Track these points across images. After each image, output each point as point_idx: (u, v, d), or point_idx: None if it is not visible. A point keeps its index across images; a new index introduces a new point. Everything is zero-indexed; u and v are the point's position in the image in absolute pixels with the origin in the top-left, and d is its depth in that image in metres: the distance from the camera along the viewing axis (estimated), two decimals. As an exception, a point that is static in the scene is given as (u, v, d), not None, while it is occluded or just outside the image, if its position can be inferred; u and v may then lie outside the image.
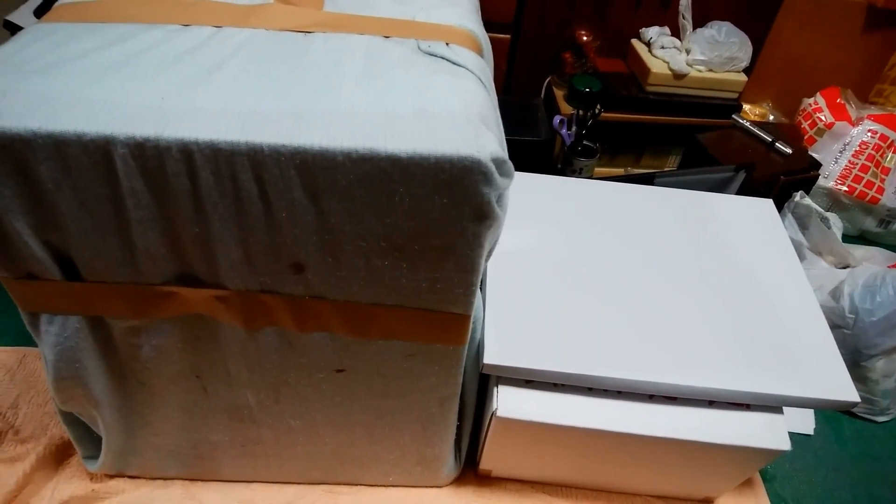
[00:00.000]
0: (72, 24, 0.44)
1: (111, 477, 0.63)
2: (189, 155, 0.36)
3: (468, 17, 0.50)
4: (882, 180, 1.06)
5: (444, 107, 0.39)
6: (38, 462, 0.63)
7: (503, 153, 0.38)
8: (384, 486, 0.65)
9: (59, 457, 0.65)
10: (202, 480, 0.64)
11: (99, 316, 0.46)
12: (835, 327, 0.76)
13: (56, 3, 0.48)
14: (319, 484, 0.64)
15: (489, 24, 0.90)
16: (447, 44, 0.45)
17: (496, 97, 0.47)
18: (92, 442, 0.60)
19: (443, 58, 0.44)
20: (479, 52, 0.48)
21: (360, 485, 0.65)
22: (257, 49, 0.43)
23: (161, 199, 0.38)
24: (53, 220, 0.39)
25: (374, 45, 0.44)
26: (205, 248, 0.41)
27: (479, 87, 0.42)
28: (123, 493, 0.62)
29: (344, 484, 0.65)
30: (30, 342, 0.49)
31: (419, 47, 0.45)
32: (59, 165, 0.36)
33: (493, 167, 0.37)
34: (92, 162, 0.36)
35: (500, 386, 0.55)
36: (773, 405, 0.56)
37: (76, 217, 0.39)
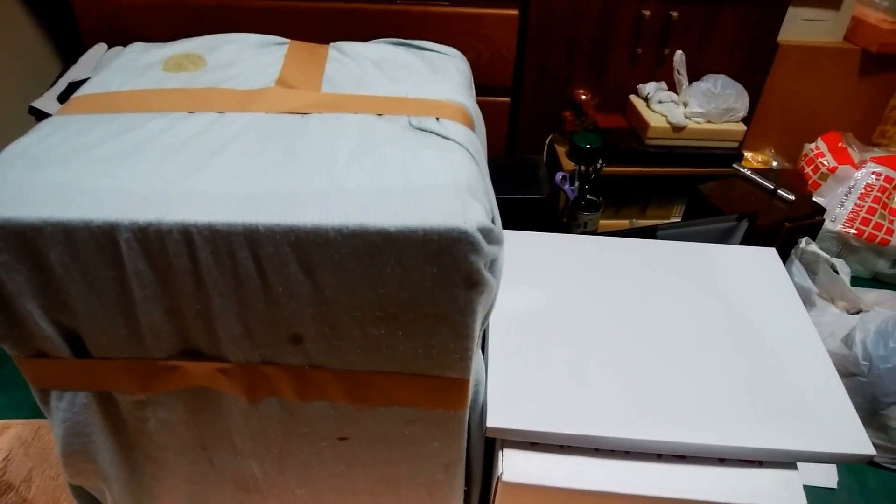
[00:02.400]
0: (86, 116, 0.47)
1: (120, 551, 0.63)
2: (189, 237, 0.38)
3: (459, 91, 0.52)
4: (891, 221, 1.05)
5: (432, 180, 0.41)
6: (49, 537, 0.63)
7: (489, 222, 0.39)
8: (394, 554, 0.64)
9: (69, 531, 0.65)
10: (210, 553, 0.63)
11: (106, 391, 0.47)
12: (849, 375, 0.75)
13: (74, 94, 0.51)
14: (328, 554, 0.64)
15: (489, 89, 0.93)
16: (437, 118, 0.48)
17: (486, 168, 0.49)
18: (102, 516, 0.60)
19: (432, 132, 0.46)
20: (470, 125, 0.50)
21: (370, 554, 0.64)
22: (257, 132, 0.45)
23: (164, 279, 0.40)
24: (63, 300, 0.41)
25: (367, 124, 0.46)
26: (206, 322, 0.43)
27: (467, 159, 0.44)
28: (132, 567, 0.62)
29: (353, 553, 0.64)
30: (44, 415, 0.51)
31: (410, 123, 0.47)
32: (67, 250, 0.39)
33: (479, 236, 0.39)
34: (98, 246, 0.38)
35: (504, 449, 0.55)
36: (786, 461, 0.55)
37: (84, 297, 0.41)
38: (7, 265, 0.39)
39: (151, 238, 0.38)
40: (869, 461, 0.70)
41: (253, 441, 0.51)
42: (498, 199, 0.47)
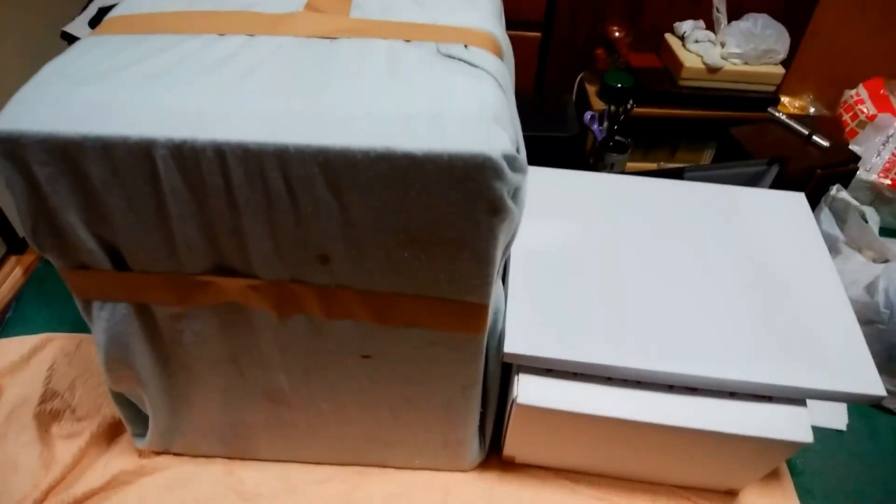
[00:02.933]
0: (119, 36, 0.48)
1: (157, 454, 0.68)
2: (222, 155, 0.39)
3: (488, 20, 0.52)
4: (928, 173, 1.02)
5: (458, 107, 0.41)
6: (92, 438, 0.68)
7: (514, 150, 0.40)
8: (411, 468, 0.68)
9: (111, 434, 0.70)
10: (241, 459, 0.68)
11: (144, 303, 0.50)
12: (870, 322, 0.75)
13: (106, 16, 0.52)
14: (350, 465, 0.68)
15: (519, 23, 0.92)
16: (466, 46, 0.47)
17: (514, 97, 0.49)
18: (140, 421, 0.65)
19: (460, 60, 0.46)
20: (498, 54, 0.49)
21: (389, 466, 0.68)
22: (286, 56, 0.45)
23: (198, 196, 0.42)
24: (103, 215, 0.43)
25: (396, 49, 0.47)
26: (238, 240, 0.44)
27: (494, 88, 0.44)
28: (168, 468, 0.67)
29: (373, 465, 0.68)
30: (86, 329, 0.54)
31: (438, 50, 0.47)
32: (107, 166, 0.40)
33: (503, 163, 0.39)
34: (136, 162, 0.40)
35: (520, 374, 0.57)
36: (795, 397, 0.57)
37: (123, 212, 0.43)
38: (51, 178, 0.41)
39: (186, 155, 0.39)
40: (880, 406, 0.71)
41: (281, 355, 0.54)
42: (525, 136, 0.47)
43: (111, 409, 0.70)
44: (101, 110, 0.40)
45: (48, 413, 0.71)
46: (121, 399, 0.62)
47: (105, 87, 0.42)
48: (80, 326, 0.79)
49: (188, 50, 0.46)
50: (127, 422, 0.65)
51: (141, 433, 0.66)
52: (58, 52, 0.47)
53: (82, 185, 0.42)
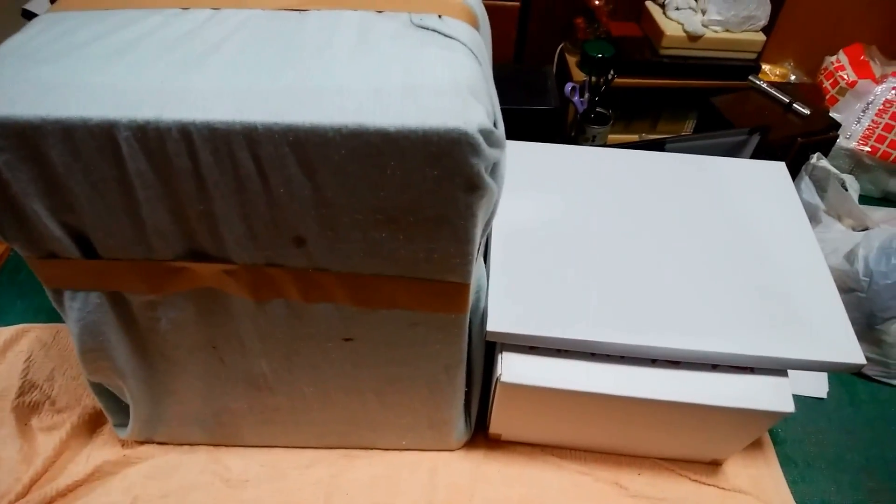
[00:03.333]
0: (78, 13, 0.46)
1: (140, 443, 0.67)
2: (188, 135, 0.38)
3: (463, -11, 0.50)
4: (907, 139, 1.03)
5: (432, 80, 0.40)
6: (73, 430, 0.67)
7: (490, 124, 0.39)
8: (398, 449, 0.68)
9: (92, 425, 0.69)
10: (225, 446, 0.67)
11: (118, 291, 0.49)
12: (849, 291, 0.76)
13: (64, -8, 0.49)
14: (336, 448, 0.67)
15: (497, -8, 0.89)
16: (440, 16, 0.46)
17: (490, 69, 0.48)
18: (121, 411, 0.64)
19: (434, 30, 0.44)
20: (474, 24, 0.48)
21: (375, 448, 0.68)
22: (253, 29, 0.44)
23: (165, 179, 0.40)
24: (68, 201, 0.42)
25: (367, 21, 0.45)
26: (210, 224, 0.43)
27: (469, 60, 0.43)
28: (152, 458, 0.66)
29: (359, 448, 0.67)
30: (62, 319, 0.52)
31: (411, 21, 0.45)
32: (68, 149, 0.38)
33: (480, 138, 0.38)
34: (98, 145, 0.38)
35: (504, 352, 0.57)
36: (777, 368, 0.57)
37: (88, 198, 0.41)
38: (10, 164, 0.39)
39: (151, 137, 0.38)
40: (860, 373, 0.72)
41: (261, 341, 0.53)
42: (505, 110, 0.46)
43: (91, 400, 0.69)
44: (60, 91, 0.38)
45: (27, 406, 0.69)
46: (100, 389, 0.60)
47: (63, 67, 0.40)
48: (57, 316, 0.76)
49: (150, 25, 0.44)
50: (108, 412, 0.64)
51: (123, 423, 0.65)
52: (18, 30, 0.45)
53: (44, 171, 0.40)
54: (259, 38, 0.43)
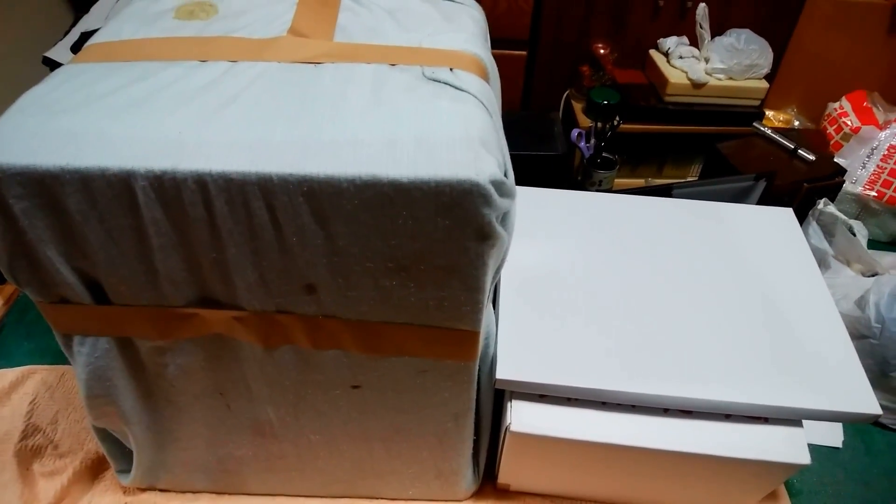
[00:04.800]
0: (99, 64, 0.47)
1: (143, 490, 0.66)
2: (204, 185, 0.38)
3: (473, 42, 0.51)
4: (913, 184, 1.03)
5: (444, 132, 0.40)
6: (75, 476, 0.66)
7: (502, 175, 0.39)
8: (404, 499, 0.66)
9: (94, 471, 0.68)
10: (229, 494, 0.66)
11: (127, 337, 0.49)
12: (861, 337, 0.75)
13: (86, 44, 0.51)
14: (341, 497, 0.66)
15: (505, 41, 0.92)
16: (451, 69, 0.47)
17: (500, 120, 0.49)
18: (124, 457, 0.63)
19: (446, 83, 0.45)
20: (484, 76, 0.49)
21: (381, 498, 0.66)
22: (269, 82, 0.45)
23: (180, 227, 0.41)
24: (82, 248, 0.42)
25: (380, 74, 0.46)
26: (222, 271, 0.43)
27: (480, 112, 0.44)
28: (154, 505, 0.65)
29: (365, 497, 0.66)
30: (68, 361, 0.52)
31: (423, 74, 0.46)
32: (85, 198, 0.39)
33: (491, 189, 0.38)
34: (115, 194, 0.39)
35: (513, 401, 0.56)
36: (792, 418, 0.56)
37: (103, 245, 0.42)
38: (27, 212, 0.40)
39: (167, 186, 0.38)
40: (875, 422, 0.71)
41: (269, 387, 0.52)
42: (513, 156, 0.47)
43: (94, 445, 0.68)
44: (80, 141, 0.39)
45: (29, 449, 0.68)
46: (104, 434, 0.60)
47: (84, 117, 0.41)
48: (63, 358, 0.76)
49: (169, 77, 0.45)
50: (111, 458, 0.63)
51: (125, 469, 0.64)
52: (40, 77, 0.46)
53: (60, 219, 0.40)
54: (275, 91, 0.44)
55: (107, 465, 0.67)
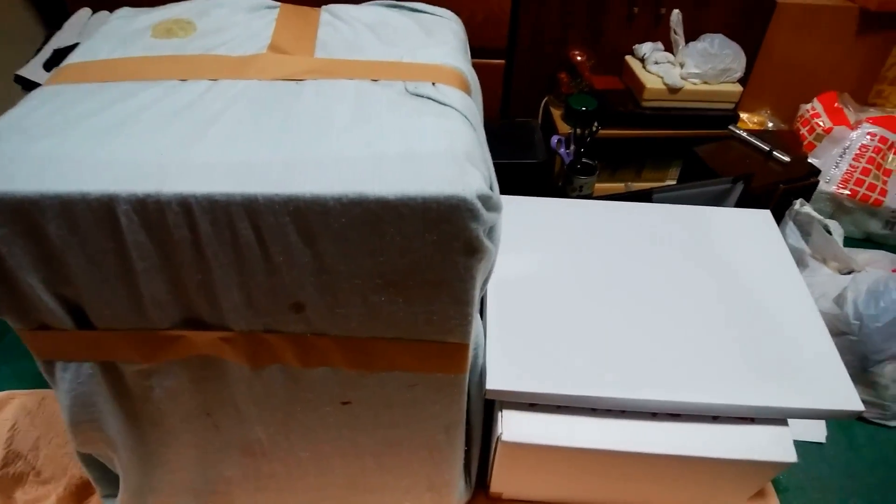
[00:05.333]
0: (76, 85, 0.46)
1: (130, 515, 0.65)
2: (188, 208, 0.38)
3: (454, 56, 0.52)
4: (885, 182, 1.06)
5: (430, 147, 0.40)
6: (59, 502, 0.64)
7: (488, 189, 0.39)
8: (397, 513, 0.66)
9: (79, 496, 0.66)
10: (218, 515, 0.65)
11: (111, 361, 0.48)
12: (840, 334, 0.76)
13: (62, 64, 0.50)
14: (333, 513, 0.65)
15: (483, 51, 0.92)
16: (433, 84, 0.47)
17: (483, 133, 0.49)
18: (110, 481, 0.62)
19: (429, 98, 0.45)
20: (466, 90, 0.49)
21: (373, 513, 0.66)
22: (251, 100, 0.45)
23: (164, 250, 0.40)
24: (64, 274, 0.41)
25: (363, 90, 0.46)
26: (208, 293, 0.43)
27: (464, 126, 0.44)
28: (142, 530, 0.64)
29: (357, 513, 0.66)
30: (48, 385, 0.51)
31: (406, 89, 0.46)
32: (66, 223, 0.38)
33: (478, 203, 0.39)
34: (97, 219, 0.38)
35: (504, 410, 0.56)
36: (777, 417, 0.57)
37: (85, 270, 0.41)
38: (6, 239, 0.39)
39: (150, 210, 0.38)
40: (858, 417, 0.72)
41: (257, 407, 0.52)
42: (494, 164, 0.47)
43: (78, 470, 0.66)
44: (59, 166, 0.38)
45: (11, 477, 0.67)
46: (89, 460, 0.59)
47: (62, 141, 0.40)
48: (42, 382, 0.75)
49: (149, 98, 0.45)
50: (96, 483, 0.62)
51: (111, 494, 0.63)
52: (13, 95, 0.46)
53: (40, 245, 0.40)
54: (257, 110, 0.44)
55: (91, 491, 0.66)
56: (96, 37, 0.53)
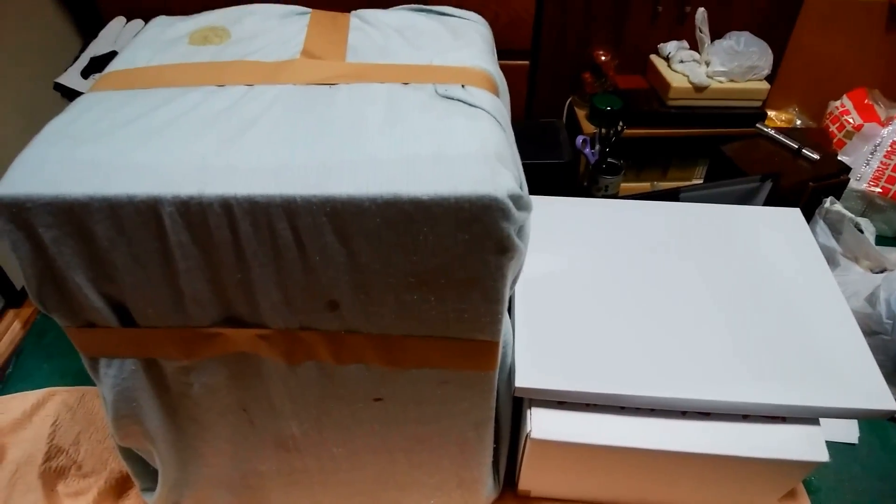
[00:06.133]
0: (118, 92, 0.48)
1: (168, 508, 0.67)
2: (229, 209, 0.39)
3: (482, 57, 0.52)
4: (917, 179, 1.04)
5: (461, 148, 0.41)
6: (100, 495, 0.67)
7: (519, 189, 0.40)
8: (426, 509, 0.67)
9: (118, 490, 0.68)
10: (252, 509, 0.67)
11: (153, 358, 0.50)
12: (873, 334, 0.75)
13: (105, 71, 0.52)
14: (364, 509, 0.67)
15: (508, 52, 0.93)
16: (463, 86, 0.48)
17: (512, 134, 0.50)
18: (149, 475, 0.64)
19: (459, 100, 0.46)
20: (495, 91, 0.50)
21: (403, 509, 0.67)
22: (287, 104, 0.46)
23: (205, 250, 0.42)
24: (110, 273, 0.43)
25: (394, 93, 0.47)
26: (247, 291, 0.44)
27: (494, 126, 0.45)
28: (180, 523, 0.66)
29: (387, 508, 0.67)
30: (88, 381, 0.53)
31: (436, 91, 0.47)
32: (113, 225, 0.40)
33: (510, 203, 0.39)
34: (142, 220, 0.40)
35: (533, 408, 0.57)
36: (809, 417, 0.56)
37: (130, 269, 0.43)
38: (56, 240, 0.41)
39: (193, 211, 0.39)
40: (891, 417, 0.71)
41: (292, 403, 0.53)
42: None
43: (118, 464, 0.69)
44: (106, 170, 0.40)
45: (53, 471, 0.69)
46: (128, 454, 0.61)
47: (108, 145, 0.42)
48: (83, 379, 0.78)
49: (188, 103, 0.46)
50: (135, 477, 0.64)
51: (150, 488, 0.65)
52: (51, 103, 0.47)
53: (88, 245, 0.41)
54: (293, 113, 0.45)
55: (131, 484, 0.68)
56: (134, 45, 0.55)
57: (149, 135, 0.43)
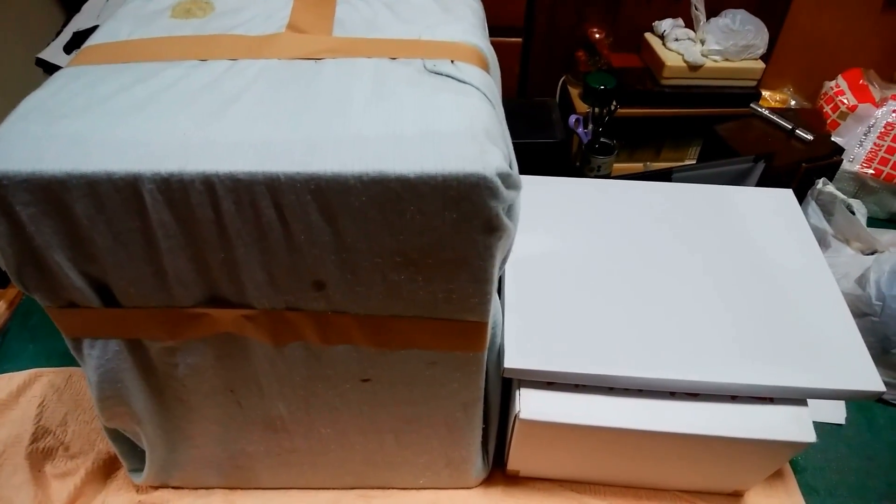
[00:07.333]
0: (98, 66, 0.47)
1: (156, 488, 0.67)
2: (211, 187, 0.38)
3: (473, 32, 0.51)
4: (910, 161, 1.04)
5: (449, 125, 0.40)
6: (88, 476, 0.66)
7: (508, 167, 0.39)
8: (415, 489, 0.67)
9: (106, 471, 0.68)
10: (241, 489, 0.67)
11: (137, 338, 0.49)
12: (862, 315, 0.75)
13: (83, 46, 0.51)
14: (353, 489, 0.67)
15: (500, 29, 0.91)
16: (452, 61, 0.47)
17: (502, 111, 0.49)
18: (136, 456, 0.63)
19: (448, 76, 0.45)
20: (485, 67, 0.49)
21: (392, 488, 0.67)
22: (271, 79, 0.45)
23: (188, 229, 0.41)
24: (90, 252, 0.42)
25: (382, 68, 0.46)
26: (231, 271, 0.43)
27: (483, 103, 0.44)
28: (168, 502, 0.66)
29: (376, 488, 0.67)
30: (74, 362, 0.52)
31: (425, 66, 0.46)
32: (92, 202, 0.39)
33: (498, 181, 0.39)
34: (122, 198, 0.39)
35: (521, 388, 0.57)
36: (797, 398, 0.57)
37: (111, 249, 0.42)
38: (34, 218, 0.40)
39: (174, 189, 0.38)
40: (878, 398, 0.72)
41: (279, 384, 0.53)
42: (512, 144, 0.47)
43: (105, 445, 0.68)
44: (84, 146, 0.39)
45: (40, 452, 0.69)
46: (115, 435, 0.60)
47: (86, 121, 0.41)
48: (69, 360, 0.76)
49: (170, 78, 0.45)
50: (123, 457, 0.63)
51: (138, 468, 0.64)
52: (33, 78, 0.46)
53: (67, 224, 0.40)
54: (277, 89, 0.44)
55: (119, 465, 0.68)
56: (116, 18, 0.53)
57: (129, 110, 0.42)
